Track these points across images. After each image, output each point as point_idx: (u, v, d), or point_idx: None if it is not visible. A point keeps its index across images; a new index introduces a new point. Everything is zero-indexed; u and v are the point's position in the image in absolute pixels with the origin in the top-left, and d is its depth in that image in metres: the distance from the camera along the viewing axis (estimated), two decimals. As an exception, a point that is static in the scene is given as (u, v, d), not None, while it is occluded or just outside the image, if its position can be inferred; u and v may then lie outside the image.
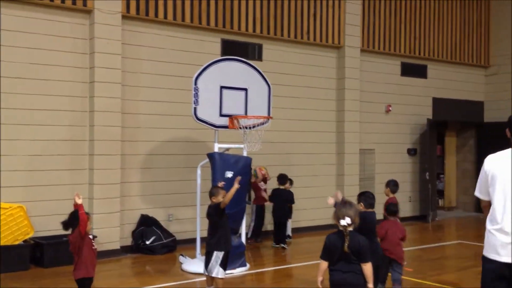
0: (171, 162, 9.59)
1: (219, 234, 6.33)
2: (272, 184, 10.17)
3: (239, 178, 6.72)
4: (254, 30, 10.52)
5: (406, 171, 13.19)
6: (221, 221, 6.37)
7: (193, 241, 8.55)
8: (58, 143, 8.52)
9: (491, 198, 3.80)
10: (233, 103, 8.08)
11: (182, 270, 7.85)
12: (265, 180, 10.16)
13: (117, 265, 8.36)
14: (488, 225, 3.77)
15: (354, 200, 6.20)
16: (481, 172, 3.94)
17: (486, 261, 3.77)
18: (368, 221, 5.83)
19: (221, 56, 9.74)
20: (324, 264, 4.46)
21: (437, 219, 13.39)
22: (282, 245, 9.68)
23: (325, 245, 4.46)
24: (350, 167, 11.81)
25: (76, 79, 8.67)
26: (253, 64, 8.51)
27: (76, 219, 5.22)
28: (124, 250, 8.94)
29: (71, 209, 5.44)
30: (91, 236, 5.55)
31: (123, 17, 8.96)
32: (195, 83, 7.74)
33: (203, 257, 6.63)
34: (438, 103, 13.79)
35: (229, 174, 7.60)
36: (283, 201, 9.92)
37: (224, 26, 10.12)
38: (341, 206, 4.47)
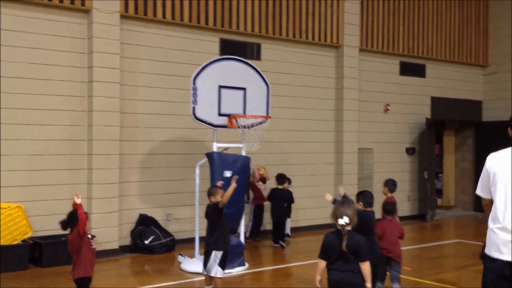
0: (169, 161, 9.59)
1: (218, 234, 6.33)
2: (272, 184, 10.17)
3: (236, 177, 6.73)
4: (252, 30, 10.52)
5: (405, 170, 13.21)
6: (219, 220, 6.37)
7: (191, 240, 8.54)
8: (57, 143, 8.52)
9: (493, 197, 3.80)
10: (232, 103, 8.07)
11: (181, 269, 7.85)
12: (263, 180, 10.16)
13: (116, 264, 8.36)
14: (490, 224, 3.77)
15: (353, 199, 6.25)
16: (483, 170, 3.93)
17: (488, 259, 3.76)
18: (367, 220, 5.85)
19: (220, 55, 9.74)
20: (322, 264, 4.47)
21: (435, 218, 13.40)
22: (281, 242, 9.68)
23: (323, 245, 4.47)
24: (349, 166, 11.82)
25: (75, 79, 8.67)
26: (252, 64, 8.51)
27: (75, 219, 5.22)
28: (123, 249, 8.94)
29: (69, 208, 5.44)
30: (89, 236, 5.55)
31: (122, 16, 8.95)
32: (194, 83, 7.74)
33: (202, 257, 6.62)
34: (436, 102, 13.80)
35: (227, 174, 7.60)
36: (282, 200, 9.94)
37: (222, 25, 10.12)
38: (339, 205, 4.48)
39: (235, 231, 7.90)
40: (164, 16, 9.44)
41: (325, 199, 5.89)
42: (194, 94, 7.72)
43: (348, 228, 4.36)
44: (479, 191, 4.01)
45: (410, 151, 13.32)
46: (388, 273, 6.65)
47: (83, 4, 8.60)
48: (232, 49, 10.05)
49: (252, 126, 8.13)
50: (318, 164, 11.60)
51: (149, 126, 9.41)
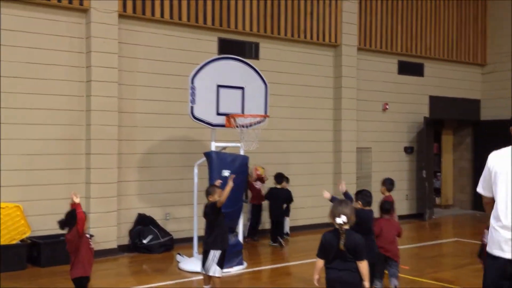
0: (168, 161, 9.59)
1: (216, 233, 6.33)
2: (270, 183, 10.19)
3: (232, 176, 6.74)
4: (251, 29, 10.52)
5: (403, 169, 13.22)
6: (217, 220, 6.37)
7: (190, 240, 8.55)
8: (55, 142, 8.51)
9: (494, 195, 3.80)
10: (230, 102, 8.07)
11: (179, 269, 7.86)
12: (261, 179, 10.16)
13: (114, 264, 8.35)
14: (492, 222, 3.78)
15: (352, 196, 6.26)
16: (485, 168, 3.93)
17: (490, 257, 3.77)
18: (365, 219, 5.87)
19: (218, 55, 9.74)
20: (320, 262, 4.47)
21: (434, 217, 13.42)
22: (280, 239, 9.70)
23: (321, 243, 4.47)
24: (347, 165, 11.82)
25: (73, 78, 8.66)
26: (250, 63, 8.51)
27: (73, 218, 5.22)
28: (121, 249, 8.94)
29: (68, 208, 5.44)
30: (88, 235, 5.55)
31: (120, 16, 8.95)
32: (192, 82, 7.74)
33: (200, 256, 6.63)
34: (434, 101, 13.82)
35: (226, 173, 7.60)
36: (280, 200, 9.95)
37: (221, 24, 10.12)
38: (337, 204, 4.48)
39: (233, 230, 7.90)
40: (162, 15, 9.44)
41: (323, 197, 5.91)
42: (193, 94, 7.72)
43: (346, 227, 4.36)
44: (480, 189, 4.01)
45: (408, 150, 13.33)
46: (386, 272, 6.67)
47: (81, 4, 8.59)
48: (231, 49, 10.05)
49: (251, 125, 8.13)
50: (316, 163, 11.60)
51: (148, 125, 9.41)
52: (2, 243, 7.62)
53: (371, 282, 5.54)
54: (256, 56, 10.66)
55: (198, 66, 7.87)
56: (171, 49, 9.64)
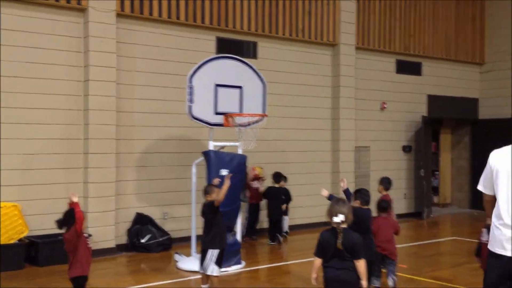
0: (166, 160, 9.59)
1: (214, 232, 6.33)
2: (268, 182, 10.19)
3: (229, 175, 6.74)
4: (249, 28, 10.52)
5: (401, 168, 13.23)
6: (215, 219, 6.38)
7: (188, 239, 8.55)
8: (53, 142, 8.50)
9: (496, 194, 3.80)
10: (228, 101, 8.07)
11: (177, 268, 7.86)
12: (258, 179, 10.15)
13: (113, 263, 8.35)
14: (494, 220, 3.78)
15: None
16: (486, 167, 3.94)
17: (492, 255, 3.77)
18: (363, 218, 5.89)
19: (216, 54, 9.74)
20: (318, 261, 4.48)
21: (432, 216, 13.43)
22: (279, 236, 9.74)
23: (319, 242, 4.48)
24: (345, 164, 11.83)
25: (71, 78, 8.65)
26: (248, 62, 8.51)
27: (71, 218, 5.22)
28: (120, 248, 8.94)
29: (66, 208, 5.44)
30: (86, 235, 5.55)
31: (118, 15, 8.94)
32: (190, 81, 7.73)
33: (199, 255, 6.63)
34: (433, 100, 13.82)
35: (224, 172, 7.59)
36: (278, 199, 9.96)
37: (219, 24, 10.11)
38: (334, 203, 4.48)
39: (231, 229, 7.90)
40: (160, 14, 9.43)
41: (322, 195, 5.93)
42: (191, 93, 7.72)
43: (344, 226, 4.36)
44: (481, 187, 4.01)
45: (406, 149, 13.34)
46: (383, 270, 6.69)
47: (79, 3, 8.58)
48: (229, 48, 10.05)
49: (249, 124, 8.13)
50: (314, 162, 11.61)
51: (146, 124, 9.40)
52: (0, 242, 7.61)
53: (369, 280, 5.54)
54: (254, 55, 10.65)
55: (196, 66, 7.87)
56: (169, 49, 9.64)
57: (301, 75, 11.39)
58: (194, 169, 8.16)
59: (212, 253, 6.27)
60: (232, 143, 8.23)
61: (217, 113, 7.98)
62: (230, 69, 8.16)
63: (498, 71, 14.40)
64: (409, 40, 13.19)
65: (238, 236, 8.17)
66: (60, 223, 5.32)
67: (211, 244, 6.30)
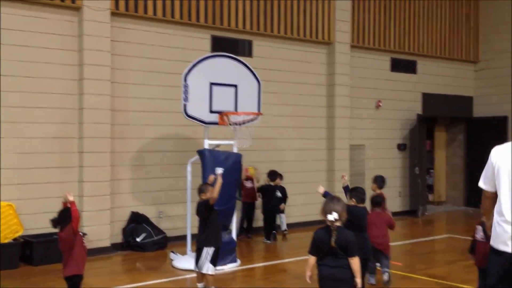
0: (161, 159, 9.58)
1: (209, 231, 6.34)
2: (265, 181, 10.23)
3: (220, 172, 6.74)
4: (244, 27, 10.52)
5: (396, 166, 13.26)
6: (211, 217, 6.38)
7: (183, 238, 8.56)
8: (47, 141, 8.48)
9: (497, 190, 3.81)
10: (223, 100, 8.07)
11: (172, 266, 7.86)
12: (251, 180, 10.15)
13: (108, 262, 8.35)
14: (496, 217, 3.79)
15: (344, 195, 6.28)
16: (487, 163, 3.93)
17: (495, 252, 3.77)
18: (359, 216, 5.91)
19: (211, 52, 9.74)
20: (312, 259, 4.49)
21: (426, 214, 13.48)
22: (274, 233, 9.81)
23: (313, 240, 4.49)
24: (341, 162, 11.85)
25: (65, 77, 8.63)
26: (243, 61, 8.51)
27: (66, 217, 5.22)
28: (115, 247, 8.93)
29: (61, 207, 5.44)
30: (81, 233, 5.55)
31: (112, 14, 8.92)
32: (185, 80, 7.73)
33: (194, 254, 6.64)
34: (427, 98, 13.87)
35: (219, 171, 7.58)
36: (274, 197, 9.98)
37: (213, 22, 10.11)
38: (329, 201, 4.50)
39: (227, 228, 7.91)
40: (155, 13, 9.42)
41: (317, 191, 5.97)
42: (185, 91, 7.72)
43: (337, 224, 4.37)
44: (481, 184, 4.00)
45: (401, 147, 13.38)
46: (378, 268, 6.72)
47: (73, 2, 8.56)
48: (224, 46, 10.04)
49: (244, 123, 8.13)
50: (310, 160, 11.62)
51: (140, 123, 9.39)
52: (-5, 242, 7.61)
53: (363, 278, 5.56)
54: (249, 54, 10.65)
55: (191, 64, 7.86)
56: (163, 47, 9.63)
57: (296, 73, 11.39)
58: (189, 168, 8.16)
59: (208, 252, 6.28)
60: (227, 142, 8.23)
61: (212, 112, 7.98)
62: (225, 67, 8.15)
63: (493, 69, 14.45)
64: (404, 39, 13.22)
65: (234, 235, 8.18)
66: (55, 222, 5.32)
67: (206, 243, 6.31)
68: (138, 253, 8.78)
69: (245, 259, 8.35)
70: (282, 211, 10.31)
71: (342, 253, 4.35)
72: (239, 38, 10.59)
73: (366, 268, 6.00)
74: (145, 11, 9.31)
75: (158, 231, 9.18)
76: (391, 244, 6.94)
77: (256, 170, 10.28)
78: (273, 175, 10.08)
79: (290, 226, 10.78)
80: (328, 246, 4.33)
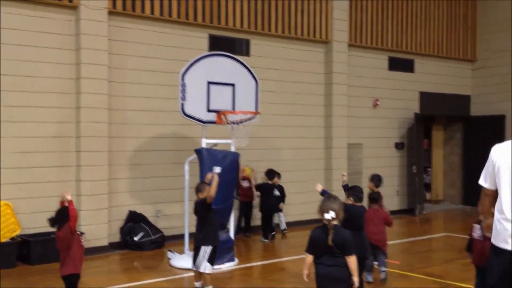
0: (158, 158, 9.58)
1: (207, 230, 6.34)
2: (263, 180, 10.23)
3: (217, 171, 6.74)
4: (241, 26, 10.51)
5: (394, 165, 13.28)
6: (208, 216, 6.39)
7: (181, 237, 8.56)
8: (45, 140, 8.47)
9: (498, 188, 3.81)
10: (221, 99, 8.07)
11: (170, 265, 7.86)
12: (248, 180, 10.15)
13: (105, 261, 8.34)
14: (496, 214, 3.79)
15: (343, 194, 6.29)
16: (488, 161, 3.93)
17: (496, 251, 3.77)
18: (356, 215, 5.92)
19: (209, 51, 9.73)
20: (310, 258, 4.49)
21: (424, 212, 13.50)
22: (273, 234, 9.82)
23: (310, 239, 4.49)
24: (338, 161, 11.86)
25: (62, 76, 8.62)
26: (241, 60, 8.50)
27: (63, 216, 5.21)
28: (112, 246, 8.93)
29: (58, 206, 5.43)
30: (79, 233, 5.55)
31: (109, 13, 8.91)
32: (182, 79, 7.72)
33: (192, 253, 6.64)
34: (425, 97, 13.88)
35: (217, 170, 7.59)
36: (272, 196, 9.98)
37: (211, 21, 10.10)
38: (326, 200, 4.50)
39: (224, 226, 7.92)
40: (152, 12, 9.41)
41: (315, 190, 5.99)
42: (183, 90, 7.71)
43: (334, 222, 4.37)
44: (482, 182, 4.00)
45: (399, 146, 13.40)
46: (376, 267, 6.74)
47: (70, 1, 8.55)
48: (221, 45, 10.04)
49: (241, 122, 8.13)
50: (307, 159, 11.63)
51: (138, 122, 9.38)
52: (-8, 241, 7.60)
53: (360, 273, 5.57)
54: (247, 53, 10.65)
55: (189, 63, 7.86)
56: (161, 46, 9.62)
57: (293, 72, 11.40)
58: (187, 167, 8.15)
59: (205, 250, 6.28)
60: (224, 141, 8.23)
61: (210, 111, 7.98)
62: (222, 66, 8.15)
63: (490, 68, 14.47)
64: (402, 37, 13.24)
65: (231, 233, 8.18)
66: (53, 221, 5.31)
67: (204, 241, 6.31)
68: (136, 252, 8.78)
69: (243, 258, 8.35)
70: (281, 210, 10.32)
71: (339, 252, 4.35)
72: (236, 37, 10.58)
73: (363, 266, 6.01)
74: (143, 10, 9.31)
75: (156, 230, 9.18)
76: (389, 242, 6.96)
77: (253, 170, 10.28)
78: (271, 173, 10.08)
79: (287, 225, 10.79)
80: (325, 245, 4.33)
